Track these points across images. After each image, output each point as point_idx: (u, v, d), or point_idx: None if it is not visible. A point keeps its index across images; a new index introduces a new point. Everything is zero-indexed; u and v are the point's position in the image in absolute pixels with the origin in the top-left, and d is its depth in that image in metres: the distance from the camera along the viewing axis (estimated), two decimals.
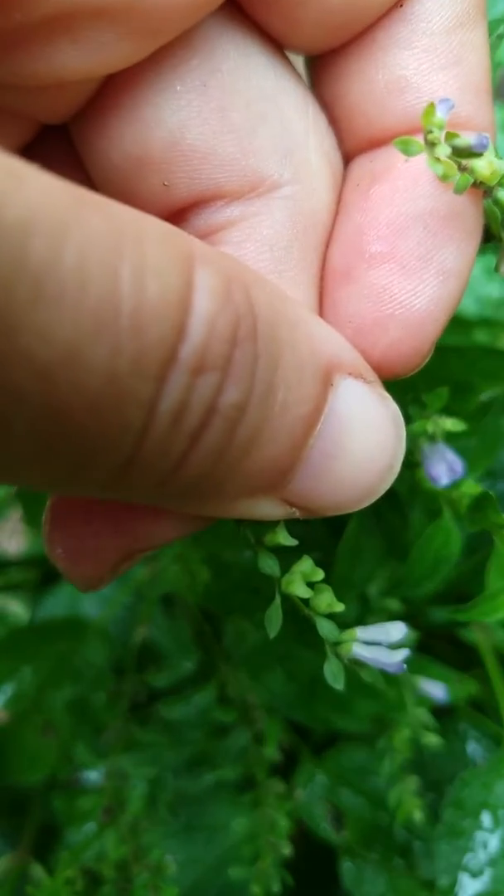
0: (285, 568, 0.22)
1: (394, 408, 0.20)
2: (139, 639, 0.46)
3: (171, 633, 0.47)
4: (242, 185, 0.20)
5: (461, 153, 0.19)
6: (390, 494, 0.31)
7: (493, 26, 0.30)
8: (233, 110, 0.20)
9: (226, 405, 0.16)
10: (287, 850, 0.41)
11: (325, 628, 0.22)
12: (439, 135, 0.18)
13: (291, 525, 0.21)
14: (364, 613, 0.39)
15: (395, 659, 0.22)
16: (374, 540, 0.33)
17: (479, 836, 0.35)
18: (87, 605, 0.48)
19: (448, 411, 0.27)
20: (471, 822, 0.35)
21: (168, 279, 0.14)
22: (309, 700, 0.46)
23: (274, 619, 0.22)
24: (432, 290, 0.20)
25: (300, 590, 0.22)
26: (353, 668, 0.22)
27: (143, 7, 0.17)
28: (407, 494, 0.33)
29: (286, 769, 0.46)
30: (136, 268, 0.14)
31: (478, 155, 0.19)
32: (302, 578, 0.22)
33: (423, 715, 0.38)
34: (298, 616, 0.23)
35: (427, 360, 0.22)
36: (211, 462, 0.16)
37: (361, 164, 0.22)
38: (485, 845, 0.35)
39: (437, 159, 0.18)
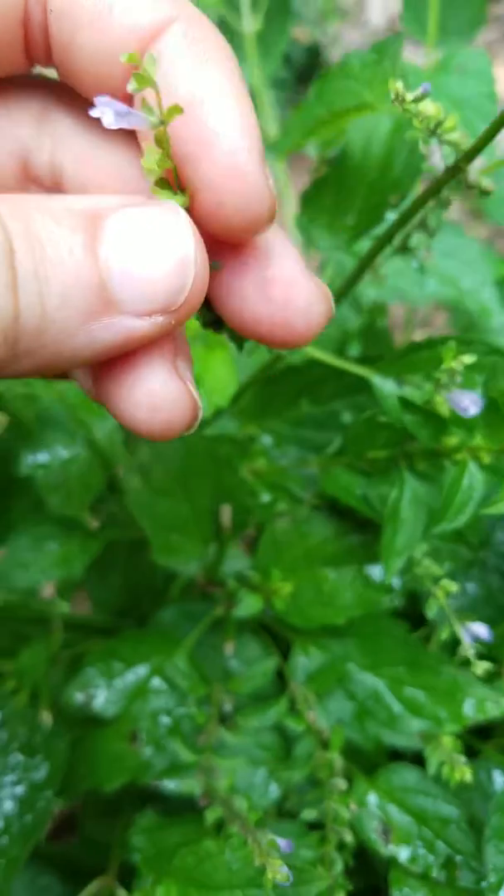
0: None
1: (175, 209, 0.23)
2: (222, 655, 0.54)
3: (247, 654, 0.55)
4: None
5: None
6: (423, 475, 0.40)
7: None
8: None
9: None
10: (349, 836, 0.47)
11: None
12: None
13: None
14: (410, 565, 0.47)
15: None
16: (414, 512, 0.42)
17: None
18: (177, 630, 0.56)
19: None
20: None
21: None
22: (362, 718, 0.52)
23: None
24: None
25: None
26: None
27: None
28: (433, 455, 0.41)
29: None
30: None
31: None
32: None
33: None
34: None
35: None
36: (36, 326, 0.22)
37: None
38: None
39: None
